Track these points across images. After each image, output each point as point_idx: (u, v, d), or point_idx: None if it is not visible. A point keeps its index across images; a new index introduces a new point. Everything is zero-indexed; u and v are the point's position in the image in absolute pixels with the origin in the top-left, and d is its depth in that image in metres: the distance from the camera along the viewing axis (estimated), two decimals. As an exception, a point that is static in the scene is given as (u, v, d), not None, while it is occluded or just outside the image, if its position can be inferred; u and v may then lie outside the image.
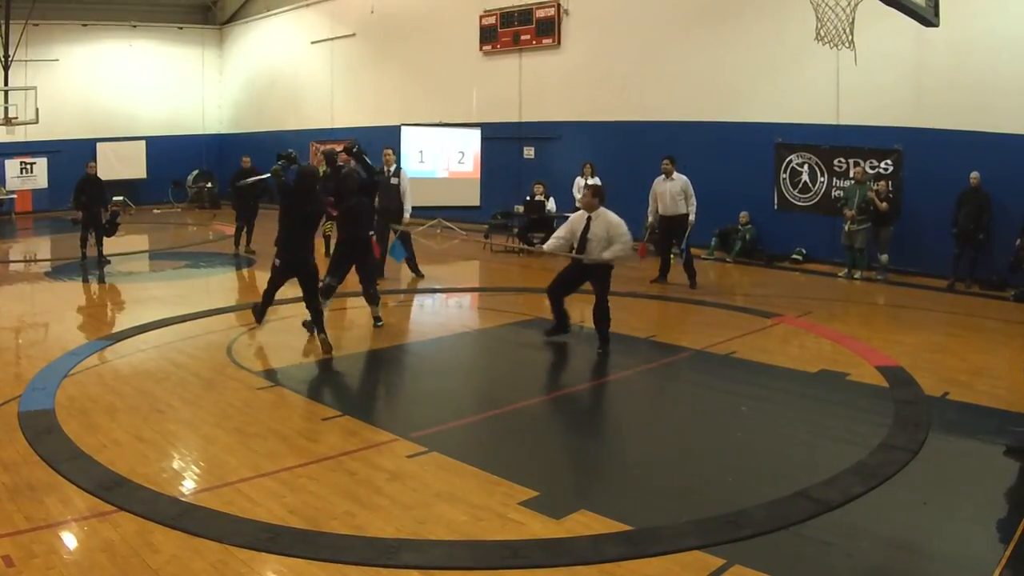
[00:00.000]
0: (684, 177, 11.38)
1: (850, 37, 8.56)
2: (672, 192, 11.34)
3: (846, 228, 12.20)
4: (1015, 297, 10.66)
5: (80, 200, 13.27)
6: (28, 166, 22.14)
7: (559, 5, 16.76)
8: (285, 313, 9.72)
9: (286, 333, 8.93)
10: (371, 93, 21.06)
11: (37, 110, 20.20)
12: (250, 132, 24.14)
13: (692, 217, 11.41)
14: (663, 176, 11.50)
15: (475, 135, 16.83)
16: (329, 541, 4.13)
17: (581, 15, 16.56)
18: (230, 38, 26.17)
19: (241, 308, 9.94)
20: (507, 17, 17.67)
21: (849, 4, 8.44)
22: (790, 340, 8.63)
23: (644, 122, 15.27)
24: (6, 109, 20.12)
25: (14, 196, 21.73)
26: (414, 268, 12.05)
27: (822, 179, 13.31)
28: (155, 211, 22.99)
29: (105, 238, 13.51)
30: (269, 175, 8.63)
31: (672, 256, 12.00)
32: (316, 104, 22.45)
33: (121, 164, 22.99)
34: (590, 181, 14.61)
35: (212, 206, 23.77)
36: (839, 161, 13.04)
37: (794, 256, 13.55)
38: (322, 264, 13.96)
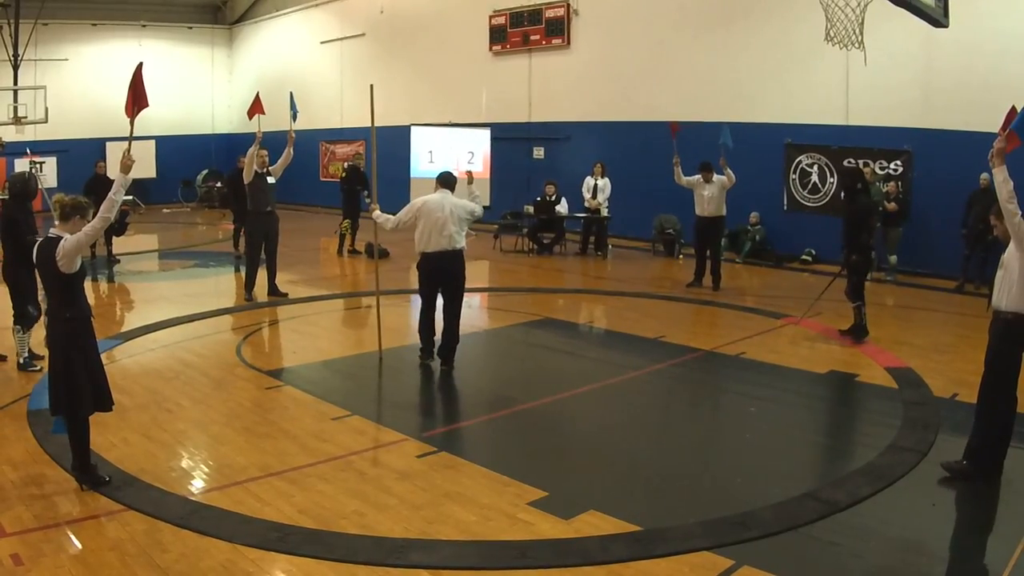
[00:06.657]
0: (723, 177, 11.07)
1: (860, 38, 8.53)
2: (710, 194, 11.14)
3: (855, 229, 12.14)
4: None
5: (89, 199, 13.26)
6: (37, 165, 22.21)
7: (569, 5, 16.74)
8: (295, 313, 9.76)
9: (295, 333, 8.97)
10: (380, 93, 20.82)
11: (46, 109, 20.32)
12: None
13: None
14: (699, 178, 11.25)
15: (485, 135, 16.87)
16: (338, 540, 4.14)
17: (591, 15, 16.54)
18: (239, 38, 26.26)
19: (249, 308, 9.97)
20: (517, 17, 17.66)
21: (859, 5, 8.41)
22: (799, 341, 8.60)
23: (654, 122, 15.23)
24: (15, 108, 20.21)
25: (24, 195, 21.80)
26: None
27: (831, 180, 13.27)
28: (165, 211, 23.07)
29: (114, 237, 13.57)
30: None
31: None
32: (325, 104, 22.47)
33: (130, 163, 23.06)
34: (599, 181, 14.65)
35: (222, 206, 23.81)
36: (848, 162, 12.97)
37: (803, 257, 13.51)
38: (334, 262, 14.07)
